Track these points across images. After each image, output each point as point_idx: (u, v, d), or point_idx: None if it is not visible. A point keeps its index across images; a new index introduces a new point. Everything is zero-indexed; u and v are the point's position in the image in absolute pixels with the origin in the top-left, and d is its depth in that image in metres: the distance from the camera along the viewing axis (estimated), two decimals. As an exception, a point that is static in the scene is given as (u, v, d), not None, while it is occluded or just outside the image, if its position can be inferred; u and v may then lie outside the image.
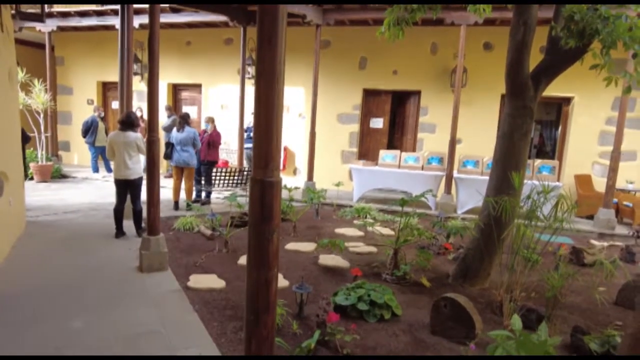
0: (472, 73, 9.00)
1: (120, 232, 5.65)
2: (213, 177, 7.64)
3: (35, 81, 9.35)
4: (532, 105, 4.60)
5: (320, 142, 9.31)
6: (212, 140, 7.81)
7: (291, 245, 5.76)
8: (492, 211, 4.23)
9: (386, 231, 6.55)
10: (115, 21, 9.17)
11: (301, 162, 10.44)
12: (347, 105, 9.97)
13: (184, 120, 7.29)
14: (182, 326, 3.45)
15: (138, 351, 3.03)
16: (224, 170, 7.75)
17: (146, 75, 11.40)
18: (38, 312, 3.53)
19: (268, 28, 1.67)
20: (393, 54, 9.49)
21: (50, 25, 10.33)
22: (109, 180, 9.81)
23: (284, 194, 7.44)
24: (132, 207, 5.66)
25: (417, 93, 9.66)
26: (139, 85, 11.16)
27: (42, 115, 9.51)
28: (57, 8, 10.23)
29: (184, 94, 11.60)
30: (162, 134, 9.04)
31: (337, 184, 8.64)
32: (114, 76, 11.36)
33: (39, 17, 7.61)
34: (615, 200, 7.88)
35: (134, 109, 7.12)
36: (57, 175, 10.00)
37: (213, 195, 8.27)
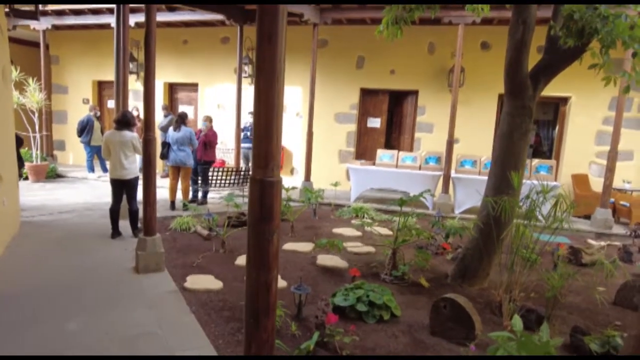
0: (470, 72, 8.99)
1: (116, 233, 5.59)
2: (210, 177, 7.58)
3: (30, 80, 9.26)
4: (531, 105, 4.58)
5: (318, 142, 9.27)
6: (209, 140, 7.76)
7: (289, 246, 5.72)
8: (491, 211, 4.21)
9: (384, 231, 6.53)
10: (111, 20, 9.09)
11: (298, 162, 10.40)
12: (345, 105, 9.94)
13: (181, 119, 7.24)
14: (179, 328, 3.41)
15: (135, 353, 2.99)
16: (220, 170, 7.69)
17: (142, 74, 11.36)
18: (33, 314, 3.48)
19: (268, 26, 1.64)
20: (390, 53, 9.47)
21: (44, 23, 10.24)
22: (105, 180, 9.74)
23: (283, 193, 7.41)
24: (128, 207, 5.60)
25: (415, 93, 9.65)
26: (135, 85, 11.09)
27: (36, 115, 9.42)
28: (52, 7, 10.13)
29: (181, 94, 11.54)
30: (158, 134, 8.97)
31: (335, 184, 8.61)
32: (109, 75, 11.27)
33: (34, 15, 7.53)
34: (612, 200, 7.89)
35: (130, 109, 7.05)
36: (52, 175, 9.91)
37: (210, 195, 8.21)
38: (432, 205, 8.12)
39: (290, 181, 10.30)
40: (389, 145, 10.04)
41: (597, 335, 3.34)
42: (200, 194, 8.02)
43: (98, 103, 11.84)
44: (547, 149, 10.58)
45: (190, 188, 7.75)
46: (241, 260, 5.04)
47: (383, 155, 8.51)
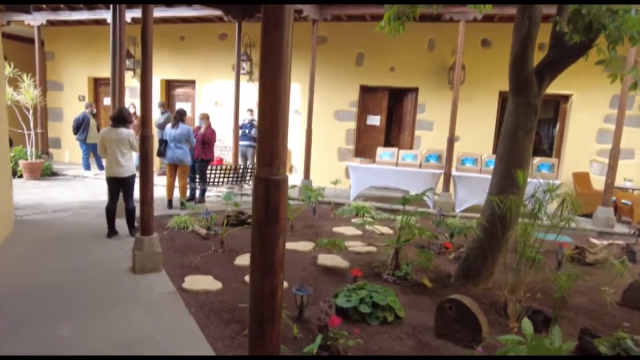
0: (470, 70, 8.91)
1: (112, 232, 5.47)
2: (207, 175, 7.47)
3: (24, 76, 9.11)
4: (536, 102, 4.50)
5: (317, 140, 9.17)
6: (207, 139, 7.64)
7: (289, 245, 5.60)
8: (496, 210, 4.12)
9: (385, 230, 6.44)
10: (107, 15, 8.96)
11: (297, 160, 10.30)
12: (344, 102, 9.84)
13: (180, 116, 7.11)
14: (177, 331, 3.31)
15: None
16: (218, 167, 7.58)
17: (139, 70, 11.19)
18: (24, 317, 3.37)
19: (274, 11, 1.53)
20: (390, 50, 9.38)
21: (39, 19, 10.07)
22: (101, 178, 9.61)
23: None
24: (124, 205, 5.49)
25: (415, 90, 9.55)
26: (132, 82, 10.96)
27: (31, 112, 9.27)
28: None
29: (178, 90, 11.40)
30: (155, 131, 8.85)
31: (335, 182, 8.51)
32: (105, 72, 11.13)
33: (26, 9, 7.37)
34: (614, 198, 7.83)
35: (126, 106, 6.92)
36: (48, 173, 9.77)
37: (207, 194, 8.11)
38: (433, 203, 8.04)
39: (289, 179, 10.20)
40: (388, 143, 9.95)
41: (606, 337, 3.26)
42: (197, 192, 7.91)
43: (94, 100, 11.68)
44: (547, 147, 10.52)
45: (188, 186, 7.64)
46: (240, 260, 4.94)
47: (383, 153, 8.41)
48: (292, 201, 7.01)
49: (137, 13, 9.12)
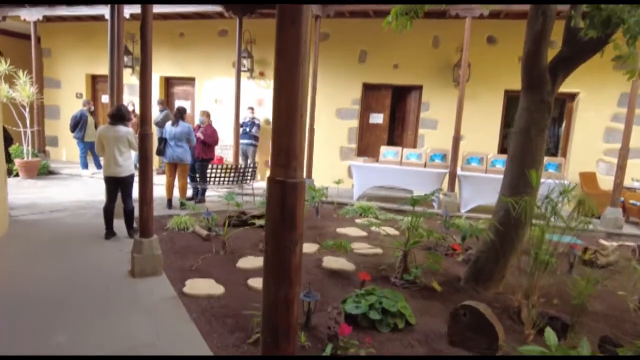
0: (475, 67, 8.75)
1: (110, 233, 5.31)
2: (208, 175, 7.30)
3: (20, 73, 8.92)
4: (549, 100, 4.35)
5: (319, 138, 9.01)
6: (207, 137, 7.46)
7: (292, 247, 5.46)
8: (511, 211, 3.96)
9: (390, 231, 6.29)
10: (105, 11, 8.76)
11: (298, 159, 10.13)
12: (346, 100, 9.67)
13: (180, 114, 6.94)
14: (178, 338, 3.15)
15: (130, 369, 2.73)
16: (219, 167, 7.41)
17: (138, 67, 11.02)
18: (18, 324, 3.21)
19: (291, 8, 1.38)
20: (394, 47, 9.21)
21: (35, 14, 9.87)
22: (99, 177, 9.43)
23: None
24: (123, 206, 5.32)
25: (419, 88, 9.40)
26: (130, 79, 10.77)
27: (27, 109, 9.08)
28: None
29: (177, 88, 11.22)
30: (154, 130, 8.66)
31: (338, 182, 8.35)
32: (103, 69, 10.94)
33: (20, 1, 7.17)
34: (622, 198, 7.69)
35: (125, 103, 6.75)
36: (44, 172, 9.59)
37: (207, 193, 7.94)
38: (439, 204, 7.89)
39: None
40: (391, 141, 9.80)
41: (629, 346, 3.11)
42: (195, 192, 7.75)
43: (92, 97, 11.50)
44: (552, 146, 10.38)
45: (190, 186, 7.49)
46: (243, 262, 4.78)
47: (387, 152, 8.26)
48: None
49: (136, 9, 8.93)
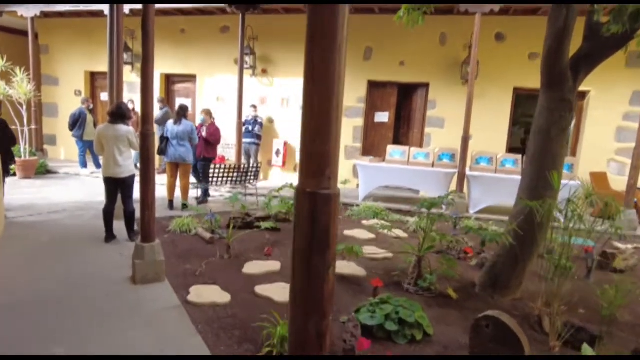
0: (484, 65, 8.54)
1: (110, 236, 5.10)
2: (210, 174, 7.09)
3: (17, 70, 8.69)
4: (571, 97, 4.15)
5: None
6: (210, 136, 7.26)
7: (299, 250, 5.26)
8: (534, 215, 3.76)
9: (399, 233, 6.09)
10: (104, 6, 8.54)
11: (302, 158, 9.92)
12: (351, 98, 9.45)
13: (182, 112, 6.72)
14: (184, 352, 2.95)
15: (133, 388, 2.53)
16: (222, 166, 7.21)
17: (137, 65, 10.81)
18: (12, 334, 3.01)
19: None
20: (400, 44, 9.00)
21: (32, 10, 9.63)
22: (98, 176, 9.22)
23: (289, 192, 6.93)
24: (123, 208, 5.11)
25: (425, 85, 9.19)
26: (130, 76, 10.55)
27: (24, 107, 8.86)
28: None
29: (178, 85, 10.99)
30: (155, 128, 8.41)
31: (344, 182, 8.14)
32: (102, 66, 10.70)
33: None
34: (635, 199, 7.50)
35: (125, 101, 6.54)
36: (42, 171, 9.37)
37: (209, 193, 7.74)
38: (446, 204, 7.68)
39: (294, 178, 9.84)
40: (397, 140, 9.59)
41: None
42: (199, 192, 7.55)
43: (91, 95, 11.27)
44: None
45: (199, 187, 7.32)
46: (249, 267, 4.58)
47: (393, 151, 8.05)
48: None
49: (135, 5, 8.70)
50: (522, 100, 9.49)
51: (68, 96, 11.42)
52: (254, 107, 9.50)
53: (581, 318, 3.64)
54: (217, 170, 7.11)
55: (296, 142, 9.94)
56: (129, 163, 5.04)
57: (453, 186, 7.80)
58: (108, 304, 3.59)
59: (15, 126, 8.71)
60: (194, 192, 7.48)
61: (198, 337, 3.15)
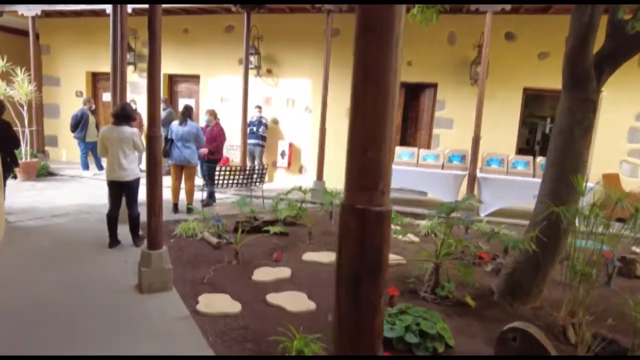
0: (493, 65, 8.37)
1: (114, 241, 4.94)
2: (216, 177, 6.93)
3: (18, 70, 8.54)
4: (594, 98, 3.99)
5: (328, 138, 8.62)
6: (212, 137, 7.10)
7: (309, 256, 5.10)
8: (557, 220, 3.60)
9: (410, 236, 5.94)
10: (107, 5, 8.38)
11: (307, 160, 9.76)
12: (358, 99, 9.28)
13: (188, 112, 6.56)
14: (195, 367, 2.80)
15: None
16: (227, 168, 7.04)
17: (140, 65, 10.65)
18: (10, 348, 2.84)
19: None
20: (407, 43, 8.81)
21: (33, 9, 9.47)
22: (100, 178, 9.06)
23: (297, 195, 6.78)
24: (127, 212, 4.94)
25: (433, 86, 9.02)
26: (132, 76, 10.38)
27: (25, 108, 8.71)
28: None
29: (181, 86, 10.83)
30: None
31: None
32: (104, 66, 10.54)
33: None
34: (649, 201, 7.32)
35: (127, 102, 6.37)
36: (44, 173, 9.21)
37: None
38: (465, 209, 7.51)
39: (299, 180, 9.67)
40: (404, 141, 9.43)
41: None
42: (204, 195, 7.39)
43: (92, 96, 11.09)
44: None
45: (205, 190, 7.19)
46: (258, 274, 4.42)
47: (402, 152, 7.89)
48: (306, 204, 6.52)
49: (138, 4, 8.54)
50: (532, 100, 9.34)
51: (69, 97, 11.26)
52: (259, 107, 9.33)
53: (609, 329, 3.47)
54: (222, 172, 6.95)
55: (301, 144, 9.78)
56: (134, 166, 4.88)
57: (463, 188, 7.64)
58: (114, 315, 3.42)
59: (16, 127, 8.54)
60: (199, 195, 7.31)
61: (210, 350, 2.99)
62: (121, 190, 4.90)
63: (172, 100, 10.62)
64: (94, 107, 9.68)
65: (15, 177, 8.30)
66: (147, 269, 3.71)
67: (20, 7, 9.42)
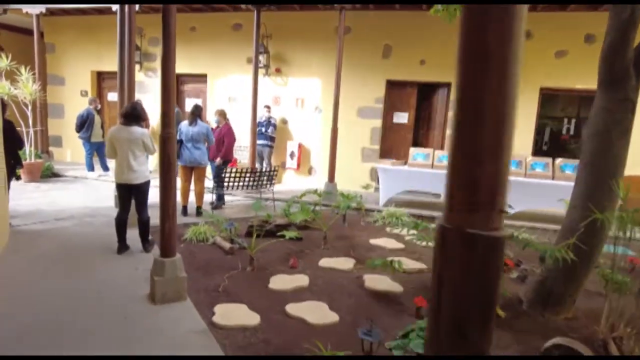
0: (509, 63, 8.14)
1: (123, 247, 4.73)
2: (226, 179, 6.72)
3: (22, 69, 8.35)
4: (633, 97, 3.76)
5: (339, 138, 8.40)
6: (222, 138, 6.89)
7: (326, 262, 4.88)
8: (598, 227, 3.38)
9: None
10: (114, 4, 8.17)
11: (316, 160, 9.55)
12: (369, 98, 9.08)
13: (198, 111, 6.36)
14: (215, 388, 2.58)
15: None
16: (237, 170, 6.83)
17: (146, 64, 10.46)
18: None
19: None
20: (420, 42, 8.62)
21: (38, 6, 9.28)
22: (105, 180, 8.87)
23: (309, 197, 6.57)
24: (137, 216, 4.73)
25: (447, 85, 8.80)
26: (138, 75, 10.16)
27: (30, 108, 8.52)
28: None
29: (187, 86, 10.63)
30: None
31: (366, 187, 7.77)
32: (109, 65, 10.36)
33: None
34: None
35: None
36: (48, 174, 9.01)
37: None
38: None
39: (308, 182, 9.47)
40: (416, 142, 9.20)
41: None
42: (214, 197, 7.18)
43: (97, 95, 10.90)
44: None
45: (213, 192, 6.98)
46: (275, 282, 4.20)
47: (417, 154, 7.66)
48: (317, 207, 6.30)
49: (145, 3, 8.36)
50: (548, 100, 9.09)
51: (74, 96, 11.07)
52: (268, 107, 9.12)
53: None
54: (232, 174, 6.74)
55: (311, 144, 9.56)
56: (144, 168, 4.67)
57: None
58: (124, 327, 3.21)
59: (20, 127, 8.36)
60: (208, 197, 7.11)
61: (230, 368, 2.78)
62: (130, 193, 4.69)
63: (178, 100, 10.42)
64: (99, 106, 9.49)
65: (19, 178, 8.13)
66: (160, 278, 3.50)
67: (24, 4, 9.22)
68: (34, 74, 8.80)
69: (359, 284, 4.32)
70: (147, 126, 8.50)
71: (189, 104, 9.69)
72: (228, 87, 9.92)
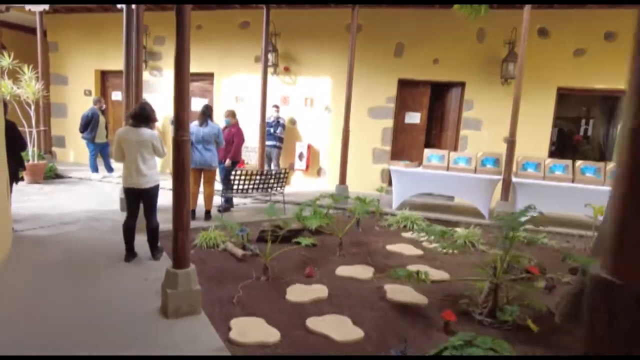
0: (525, 63, 7.87)
1: (131, 255, 4.51)
2: (235, 181, 6.50)
3: (25, 68, 8.15)
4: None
5: (350, 139, 8.17)
6: (231, 138, 6.68)
7: (343, 270, 4.66)
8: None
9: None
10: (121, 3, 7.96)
11: (326, 162, 9.32)
12: (380, 98, 8.84)
13: (208, 111, 6.14)
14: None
15: None
16: (243, 171, 6.60)
17: (151, 62, 10.24)
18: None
19: None
20: (434, 40, 8.39)
21: (41, 4, 9.06)
22: (109, 181, 8.67)
23: (326, 201, 6.34)
24: (145, 222, 4.51)
25: (461, 85, 8.56)
26: (144, 75, 9.92)
27: (32, 107, 8.31)
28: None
29: (194, 85, 10.36)
30: (169, 130, 7.77)
31: (380, 189, 7.54)
32: (113, 64, 10.16)
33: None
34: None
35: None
36: (51, 175, 8.81)
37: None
38: (489, 214, 7.07)
39: (317, 183, 9.25)
40: (429, 143, 8.97)
41: None
42: (222, 200, 6.97)
43: (101, 95, 10.69)
44: (605, 149, 9.54)
45: (223, 195, 6.78)
46: (293, 293, 3.98)
47: (431, 155, 7.43)
48: (329, 210, 6.07)
49: (158, 2, 8.14)
50: (565, 100, 8.86)
51: (77, 96, 10.87)
52: (276, 107, 8.90)
53: None
54: (241, 176, 6.51)
55: (320, 145, 9.34)
56: (153, 172, 4.44)
57: (497, 194, 7.18)
58: (135, 344, 2.99)
59: (22, 127, 8.16)
60: (217, 200, 6.89)
61: (252, 393, 2.55)
62: (139, 198, 4.47)
63: (184, 99, 10.18)
64: (104, 106, 9.28)
65: (21, 179, 7.92)
66: (173, 291, 3.28)
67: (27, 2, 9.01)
68: (36, 73, 8.60)
69: (380, 295, 4.10)
70: (154, 127, 8.30)
71: (194, 103, 9.48)
72: (235, 86, 9.70)
